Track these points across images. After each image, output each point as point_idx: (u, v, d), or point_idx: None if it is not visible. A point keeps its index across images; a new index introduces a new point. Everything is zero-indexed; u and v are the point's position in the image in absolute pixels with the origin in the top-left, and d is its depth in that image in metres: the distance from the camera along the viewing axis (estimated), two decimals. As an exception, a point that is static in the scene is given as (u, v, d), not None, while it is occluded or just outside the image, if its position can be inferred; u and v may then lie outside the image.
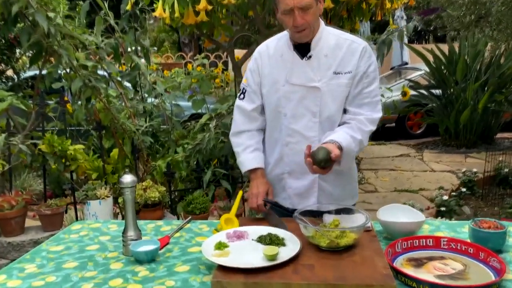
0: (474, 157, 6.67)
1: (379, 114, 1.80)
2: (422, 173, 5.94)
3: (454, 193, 4.76)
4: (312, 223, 1.61)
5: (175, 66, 9.49)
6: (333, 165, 1.65)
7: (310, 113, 1.80)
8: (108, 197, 2.64)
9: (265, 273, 1.38)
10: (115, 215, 2.82)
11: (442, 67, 7.32)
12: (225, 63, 10.70)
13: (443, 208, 4.18)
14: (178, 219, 2.99)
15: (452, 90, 7.18)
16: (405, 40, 4.06)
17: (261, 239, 1.60)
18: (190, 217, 2.05)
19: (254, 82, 1.91)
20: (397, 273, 1.41)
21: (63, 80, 2.81)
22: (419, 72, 8.43)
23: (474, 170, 5.12)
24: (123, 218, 2.98)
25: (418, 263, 1.53)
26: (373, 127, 1.79)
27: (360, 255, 1.49)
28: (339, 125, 1.82)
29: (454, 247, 1.60)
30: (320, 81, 1.78)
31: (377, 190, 5.35)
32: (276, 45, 1.88)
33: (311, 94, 1.79)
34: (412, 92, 7.24)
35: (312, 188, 1.85)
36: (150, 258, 1.59)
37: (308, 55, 1.79)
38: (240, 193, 1.92)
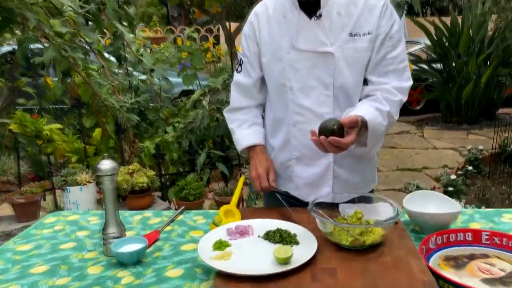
0: (477, 133, 6.46)
1: (408, 83, 1.51)
2: (424, 151, 5.71)
3: (460, 172, 4.54)
4: (328, 216, 1.34)
5: (164, 40, 9.07)
6: (355, 145, 1.37)
7: (322, 85, 1.51)
8: (90, 182, 2.35)
9: (276, 280, 1.12)
10: (99, 202, 2.54)
11: (444, 40, 7.02)
12: (217, 37, 10.28)
13: (450, 188, 3.95)
14: (170, 205, 2.71)
15: (454, 64, 6.91)
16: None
17: (269, 236, 1.33)
18: (183, 207, 1.78)
19: (250, 51, 1.61)
20: (437, 278, 1.15)
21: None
22: (419, 46, 8.12)
23: (480, 147, 4.89)
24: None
25: (459, 263, 1.27)
26: (403, 97, 1.50)
27: (391, 256, 1.23)
28: (359, 100, 1.53)
29: (498, 242, 1.35)
30: (333, 45, 1.47)
31: (378, 170, 5.12)
32: (277, 3, 1.56)
33: (323, 62, 1.49)
34: (411, 67, 6.95)
35: (326, 176, 1.57)
36: (135, 260, 1.33)
37: (318, 13, 1.47)
38: (242, 179, 1.64)
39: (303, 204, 1.38)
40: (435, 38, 7.05)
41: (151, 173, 2.38)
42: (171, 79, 3.86)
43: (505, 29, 6.83)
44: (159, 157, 2.55)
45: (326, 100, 1.51)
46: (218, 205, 2.62)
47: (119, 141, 2.59)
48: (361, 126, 1.35)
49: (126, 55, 2.97)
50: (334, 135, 1.28)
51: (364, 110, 1.41)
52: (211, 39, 9.67)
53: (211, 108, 2.54)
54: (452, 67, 6.95)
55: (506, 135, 5.28)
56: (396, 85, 1.49)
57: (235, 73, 1.71)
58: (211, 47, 8.12)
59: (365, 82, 1.54)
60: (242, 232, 1.36)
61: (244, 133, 1.64)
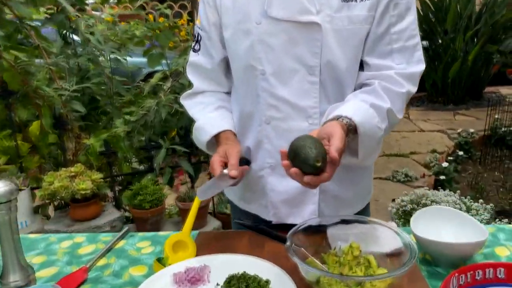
0: (464, 114, 6.18)
1: (419, 67, 1.12)
2: (411, 134, 5.41)
3: (450, 158, 4.24)
4: (313, 243, 0.98)
5: (134, 17, 8.45)
6: (338, 162, 0.95)
7: (304, 67, 1.11)
8: (23, 188, 1.91)
9: None
10: (35, 211, 2.12)
11: (431, 15, 6.65)
12: (191, 14, 9.70)
13: (442, 177, 3.65)
14: (124, 214, 2.30)
15: (440, 41, 6.57)
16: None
17: (232, 285, 0.95)
18: (126, 229, 1.38)
19: (209, 22, 1.22)
20: None
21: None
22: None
23: (471, 130, 4.60)
24: (46, 217, 2.25)
25: (494, 318, 0.91)
26: (411, 86, 1.12)
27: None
28: (354, 89, 1.15)
29: (542, 283, 0.99)
30: (320, 12, 1.08)
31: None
32: None
33: (306, 36, 1.09)
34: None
35: (310, 190, 1.17)
36: (43, 323, 0.93)
37: None
38: (197, 201, 1.24)
39: (277, 238, 0.98)
40: (421, 14, 6.67)
41: (98, 176, 1.97)
42: (139, 60, 3.41)
43: (494, 3, 6.48)
44: (109, 155, 2.13)
45: (310, 89, 1.11)
46: (182, 213, 2.23)
47: (59, 137, 2.16)
48: (347, 131, 0.98)
49: (72, 32, 2.50)
50: (315, 173, 0.89)
51: (353, 107, 1.03)
52: (185, 15, 9.09)
53: (169, 97, 2.11)
54: (439, 44, 6.62)
55: (496, 116, 5.01)
56: (403, 71, 1.10)
57: (191, 52, 1.29)
58: (185, 24, 7.56)
59: (362, 66, 1.15)
60: (195, 280, 0.97)
61: (210, 116, 1.24)
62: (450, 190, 3.42)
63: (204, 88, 1.28)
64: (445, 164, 3.76)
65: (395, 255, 1.06)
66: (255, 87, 1.15)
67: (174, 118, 2.24)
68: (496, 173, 4.16)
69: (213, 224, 2.33)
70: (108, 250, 1.25)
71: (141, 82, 2.53)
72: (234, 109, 1.28)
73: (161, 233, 1.41)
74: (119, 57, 2.53)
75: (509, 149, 4.66)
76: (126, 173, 2.29)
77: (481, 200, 3.08)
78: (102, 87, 2.45)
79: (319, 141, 0.91)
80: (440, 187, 3.59)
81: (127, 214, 2.31)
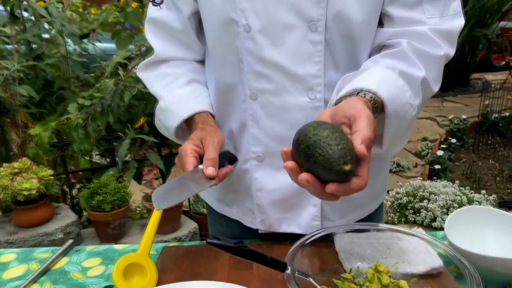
0: (452, 100, 6.00)
1: (458, 22, 0.83)
2: (399, 122, 5.17)
3: (443, 145, 4.01)
4: (320, 270, 0.68)
5: (106, 1, 7.98)
6: (368, 159, 0.63)
7: (304, 21, 0.79)
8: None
9: None
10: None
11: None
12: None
13: (437, 166, 3.40)
14: (81, 217, 1.95)
15: (426, 25, 6.33)
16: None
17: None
18: (70, 242, 1.06)
19: None
20: None
21: None
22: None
23: (463, 116, 4.38)
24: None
25: None
26: (450, 48, 0.82)
27: None
28: (370, 54, 0.84)
29: None
30: None
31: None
32: None
33: None
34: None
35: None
36: None
37: None
38: (157, 212, 0.93)
39: (271, 264, 0.66)
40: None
41: (46, 172, 1.61)
42: (110, 45, 3.09)
43: (481, -14, 6.29)
44: (63, 148, 1.78)
45: (312, 51, 0.80)
46: (150, 215, 1.89)
47: (1, 126, 1.79)
48: (373, 109, 0.69)
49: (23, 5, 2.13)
50: (341, 180, 0.58)
51: (377, 78, 0.73)
52: None
53: (131, 76, 1.76)
54: (425, 28, 6.39)
55: (487, 102, 4.82)
56: (438, 26, 0.80)
57: (150, 6, 0.95)
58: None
59: (381, 21, 0.84)
60: (150, 327, 0.65)
61: (179, 94, 0.90)
62: (445, 180, 3.19)
63: (169, 55, 0.94)
64: (440, 153, 3.52)
65: (433, 277, 0.78)
66: (237, 50, 0.83)
67: (141, 103, 1.90)
68: (490, 161, 3.95)
69: (189, 226, 2.00)
70: (44, 272, 0.93)
71: (102, 62, 2.18)
72: (209, 82, 0.95)
73: (118, 246, 1.08)
74: (85, 42, 2.16)
75: (501, 135, 4.47)
76: (83, 168, 1.94)
77: (483, 191, 2.85)
78: (58, 72, 2.09)
79: (339, 129, 0.59)
80: (435, 177, 3.36)
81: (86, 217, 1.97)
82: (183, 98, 0.89)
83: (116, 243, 1.92)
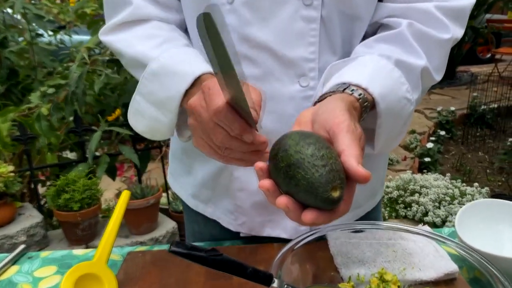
0: (439, 93, 5.94)
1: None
2: (386, 115, 5.09)
3: (432, 138, 3.93)
4: (313, 280, 0.56)
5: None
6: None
7: None
8: None
9: None
10: None
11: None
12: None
13: (427, 159, 3.32)
14: (51, 219, 1.79)
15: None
16: None
17: None
18: (22, 247, 0.91)
19: None
20: None
21: None
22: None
23: (452, 108, 4.31)
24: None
25: None
26: (458, 29, 0.70)
27: None
28: (364, 37, 0.71)
29: None
30: None
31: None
32: None
33: None
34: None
35: None
36: None
37: None
38: (126, 195, 0.78)
39: (252, 276, 0.52)
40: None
41: (6, 169, 1.45)
42: (87, 37, 2.93)
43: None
44: (26, 141, 1.62)
45: (306, 30, 0.66)
46: (124, 215, 1.74)
47: (-46, 118, 1.62)
48: (361, 111, 0.59)
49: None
50: (328, 208, 0.47)
51: (368, 69, 0.61)
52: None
53: (97, 58, 1.59)
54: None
55: (474, 94, 4.76)
56: (445, 3, 0.68)
57: None
58: None
59: None
60: None
61: (178, 52, 0.67)
62: (435, 173, 3.11)
63: (151, 13, 0.72)
64: (429, 145, 3.43)
65: (446, 284, 0.66)
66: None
67: (114, 93, 1.75)
68: (480, 153, 3.88)
69: (167, 226, 1.85)
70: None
71: (73, 49, 2.01)
72: None
73: (78, 251, 0.93)
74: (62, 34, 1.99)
75: (489, 127, 4.41)
76: (50, 164, 1.78)
77: (476, 184, 2.76)
78: (23, 61, 1.91)
79: (326, 144, 0.48)
80: (424, 170, 3.27)
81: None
82: (191, 56, 0.66)
83: (87, 246, 1.77)
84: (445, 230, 0.90)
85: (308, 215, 0.46)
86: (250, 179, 0.74)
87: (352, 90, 0.58)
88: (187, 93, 0.62)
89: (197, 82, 0.62)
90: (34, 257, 0.88)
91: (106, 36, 0.74)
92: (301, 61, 0.67)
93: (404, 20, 0.67)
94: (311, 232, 0.66)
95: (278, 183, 0.48)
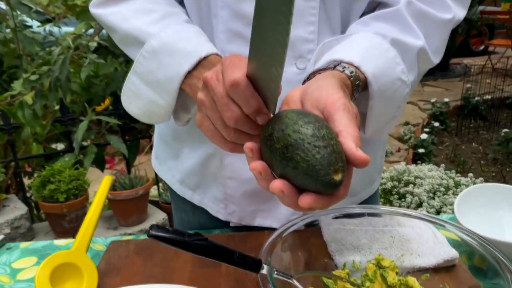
0: (432, 85, 5.94)
1: None
2: (380, 107, 5.07)
3: (426, 129, 3.91)
4: (305, 267, 0.52)
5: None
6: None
7: None
8: None
9: None
10: None
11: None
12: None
13: (421, 150, 3.29)
14: (38, 211, 1.74)
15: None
16: None
17: None
18: (1, 238, 0.87)
19: None
20: None
21: None
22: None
23: (446, 99, 4.29)
24: None
25: None
26: (460, 9, 0.67)
27: None
28: (362, 16, 0.67)
29: None
30: None
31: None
32: None
33: None
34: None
35: None
36: None
37: None
38: (107, 180, 0.74)
39: (241, 263, 0.49)
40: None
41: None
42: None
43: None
44: (9, 131, 1.56)
45: (305, 8, 0.62)
46: (113, 206, 1.69)
47: None
48: (352, 90, 0.55)
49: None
50: (328, 192, 0.43)
51: (361, 47, 0.58)
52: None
53: (79, 42, 1.53)
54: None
55: (468, 85, 4.74)
56: None
57: None
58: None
59: None
60: None
61: (185, 29, 0.62)
62: (429, 164, 3.08)
63: None
64: (424, 136, 3.41)
65: (446, 270, 0.63)
66: (208, 2, 0.64)
67: (102, 82, 1.69)
68: (473, 144, 3.87)
69: (157, 217, 1.81)
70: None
71: (60, 39, 1.95)
72: None
73: (59, 241, 0.89)
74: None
75: (483, 119, 4.41)
76: (36, 155, 1.72)
77: (470, 174, 2.74)
78: (8, 49, 1.85)
79: (325, 124, 0.44)
80: (419, 161, 3.25)
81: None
82: (195, 35, 0.61)
83: (74, 237, 1.72)
84: (444, 217, 0.87)
85: (306, 199, 0.42)
86: (241, 167, 0.70)
87: (344, 67, 0.54)
88: (189, 75, 0.57)
89: (202, 63, 0.57)
90: (13, 248, 0.84)
91: (97, 9, 0.68)
92: (299, 41, 0.62)
93: None
94: (302, 218, 0.63)
95: (272, 166, 0.44)
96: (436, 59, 0.66)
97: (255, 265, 0.46)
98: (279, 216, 0.74)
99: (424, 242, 0.66)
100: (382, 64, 0.57)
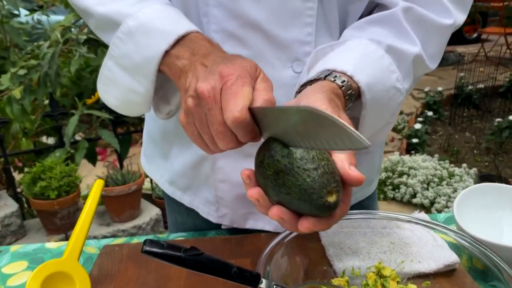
0: (426, 73, 5.91)
1: None
2: (374, 96, 5.05)
3: (420, 119, 3.91)
4: (305, 275, 0.51)
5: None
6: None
7: None
8: None
9: None
10: None
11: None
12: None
13: (415, 140, 3.30)
14: (30, 207, 1.71)
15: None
16: None
17: None
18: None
19: None
20: None
21: None
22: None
23: (439, 88, 4.29)
24: None
25: None
26: (460, 14, 0.64)
27: None
28: (361, 16, 0.64)
29: None
30: None
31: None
32: None
33: None
34: None
35: None
36: None
37: None
38: (99, 184, 0.71)
39: (242, 277, 0.47)
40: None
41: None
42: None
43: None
44: (-2, 126, 1.53)
45: (302, 9, 0.59)
46: (105, 202, 1.67)
47: None
48: (345, 100, 0.53)
49: None
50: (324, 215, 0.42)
51: (355, 55, 0.56)
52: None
53: (69, 36, 1.49)
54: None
55: (461, 74, 4.74)
56: None
57: None
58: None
59: None
60: None
61: (162, 9, 0.58)
62: (423, 154, 3.09)
63: None
64: (417, 126, 3.41)
65: (447, 276, 0.63)
66: (197, 1, 0.61)
67: (92, 74, 1.65)
68: (466, 133, 3.88)
69: (150, 213, 1.79)
70: None
71: (48, 29, 1.90)
72: None
73: (50, 244, 0.87)
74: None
75: (476, 108, 4.41)
76: (25, 150, 1.69)
77: (464, 164, 2.75)
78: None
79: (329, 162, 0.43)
80: (412, 151, 3.26)
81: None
82: (173, 13, 0.57)
83: (66, 235, 1.70)
84: (441, 216, 0.86)
85: (305, 224, 0.41)
86: (234, 170, 0.68)
87: (335, 76, 0.52)
88: (167, 54, 0.54)
89: (180, 42, 0.54)
90: (4, 252, 0.82)
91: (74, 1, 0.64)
92: (296, 43, 0.60)
93: (403, 1, 0.61)
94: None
95: (267, 192, 0.43)
96: (432, 65, 0.65)
97: (254, 280, 0.44)
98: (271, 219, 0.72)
99: (423, 245, 0.65)
100: (376, 72, 0.55)
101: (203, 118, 0.47)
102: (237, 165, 0.66)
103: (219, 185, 0.69)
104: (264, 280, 0.45)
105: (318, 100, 0.47)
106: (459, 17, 0.63)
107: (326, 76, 0.52)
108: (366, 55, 0.56)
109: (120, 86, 0.60)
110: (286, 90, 0.61)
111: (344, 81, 0.52)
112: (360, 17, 0.64)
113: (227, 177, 0.68)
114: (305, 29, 0.59)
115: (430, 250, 0.63)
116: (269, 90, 0.47)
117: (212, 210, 0.73)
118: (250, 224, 0.72)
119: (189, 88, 0.48)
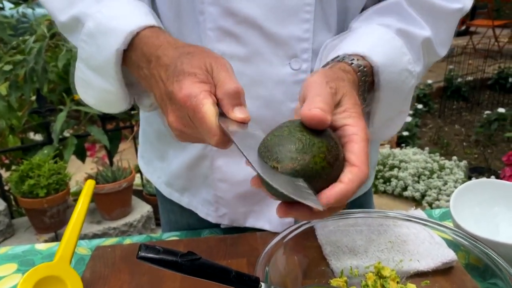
0: (415, 66, 5.94)
1: None
2: (364, 89, 5.06)
3: (410, 111, 3.92)
4: (302, 276, 0.51)
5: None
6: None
7: None
8: None
9: None
10: None
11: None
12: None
13: (405, 133, 3.31)
14: (13, 205, 1.68)
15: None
16: None
17: None
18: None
19: None
20: None
21: None
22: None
23: (429, 81, 4.31)
24: None
25: None
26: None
27: None
28: (364, 8, 0.63)
29: None
30: None
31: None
32: None
33: None
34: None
35: None
36: None
37: None
38: (90, 184, 0.70)
39: (240, 281, 0.46)
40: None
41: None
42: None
43: None
44: (-17, 124, 1.49)
45: (299, 5, 0.58)
46: (96, 199, 1.65)
47: None
48: (359, 81, 0.52)
49: None
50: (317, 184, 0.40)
51: (368, 38, 0.56)
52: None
53: (55, 31, 1.46)
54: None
55: (451, 66, 4.77)
56: None
57: None
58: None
59: None
60: None
61: (118, 6, 0.56)
62: (413, 147, 3.11)
63: None
64: (408, 119, 3.42)
65: (444, 273, 0.62)
66: None
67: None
68: (456, 126, 3.91)
69: (142, 210, 1.77)
70: None
71: (33, 23, 1.85)
72: None
73: (41, 245, 0.85)
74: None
75: (465, 100, 4.45)
76: (12, 147, 1.65)
77: (454, 157, 2.77)
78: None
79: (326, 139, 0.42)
80: (402, 144, 3.27)
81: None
82: (129, 10, 0.55)
83: (56, 234, 1.67)
84: (436, 211, 0.86)
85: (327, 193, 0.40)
86: (233, 169, 0.66)
87: (344, 57, 0.52)
88: (128, 57, 0.53)
89: (135, 41, 0.52)
90: (-5, 255, 0.80)
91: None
92: (293, 40, 0.58)
93: None
94: (296, 226, 0.60)
95: (271, 189, 0.41)
96: (442, 51, 0.64)
97: (253, 284, 0.43)
98: (271, 217, 0.71)
99: (420, 243, 0.64)
100: (389, 53, 0.55)
101: (192, 136, 0.48)
102: (236, 165, 0.65)
103: (218, 185, 0.68)
104: (263, 284, 0.43)
105: (315, 75, 0.45)
106: (467, 2, 0.63)
107: (342, 59, 0.52)
108: (378, 37, 0.56)
109: (93, 86, 0.59)
110: (284, 87, 0.60)
111: (353, 59, 0.51)
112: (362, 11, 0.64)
113: (226, 176, 0.67)
114: (302, 26, 0.58)
115: (428, 247, 0.63)
116: (229, 78, 0.45)
117: (211, 211, 0.72)
118: (250, 223, 0.71)
119: (164, 113, 0.49)
